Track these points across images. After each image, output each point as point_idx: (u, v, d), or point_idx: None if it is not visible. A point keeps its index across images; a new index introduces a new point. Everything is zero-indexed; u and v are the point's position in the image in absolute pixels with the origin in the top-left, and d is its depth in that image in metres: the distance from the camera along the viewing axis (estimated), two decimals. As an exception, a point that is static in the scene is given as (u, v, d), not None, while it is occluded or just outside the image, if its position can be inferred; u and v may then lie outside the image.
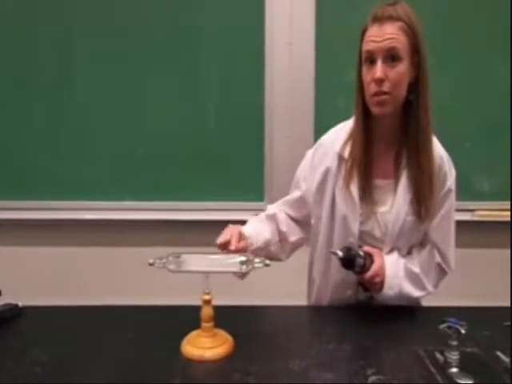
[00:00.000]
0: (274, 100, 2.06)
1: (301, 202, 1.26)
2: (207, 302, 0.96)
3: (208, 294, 0.96)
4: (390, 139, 1.16)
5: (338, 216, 1.19)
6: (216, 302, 0.97)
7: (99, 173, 2.12)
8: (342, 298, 1.23)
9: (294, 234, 1.27)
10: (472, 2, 2.02)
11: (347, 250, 1.10)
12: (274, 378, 0.87)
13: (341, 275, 1.20)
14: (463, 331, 0.88)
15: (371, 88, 1.07)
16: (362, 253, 1.11)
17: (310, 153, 1.27)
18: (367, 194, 1.16)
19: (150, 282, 1.78)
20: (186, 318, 0.99)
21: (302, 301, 1.36)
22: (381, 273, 1.13)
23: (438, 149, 1.17)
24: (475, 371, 0.87)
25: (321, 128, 1.32)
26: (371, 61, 1.07)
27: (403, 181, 1.15)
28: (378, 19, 1.05)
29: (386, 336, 1.04)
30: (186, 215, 2.06)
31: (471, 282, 1.97)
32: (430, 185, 1.13)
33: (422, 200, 1.13)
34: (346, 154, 1.17)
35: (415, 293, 1.19)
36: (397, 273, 1.16)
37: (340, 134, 1.21)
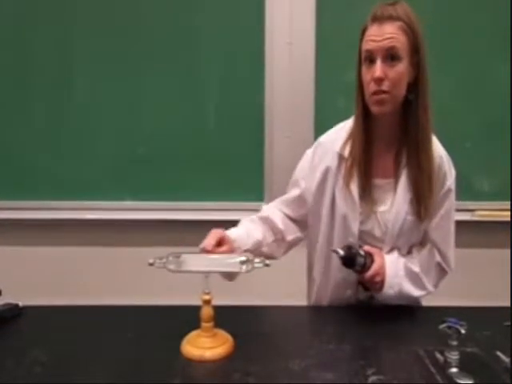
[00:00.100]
0: (273, 100, 2.06)
1: (299, 200, 1.26)
2: (207, 302, 0.96)
3: (208, 294, 0.96)
4: (390, 139, 1.17)
5: (338, 215, 1.19)
6: (216, 302, 0.97)
7: (99, 173, 2.12)
8: (342, 298, 1.23)
9: (291, 233, 1.27)
10: (472, 2, 2.02)
11: (348, 248, 1.10)
12: (274, 377, 0.87)
13: (341, 275, 1.20)
14: (463, 331, 0.88)
15: (371, 87, 1.07)
16: (362, 252, 1.11)
17: (309, 152, 1.26)
18: (367, 194, 1.17)
19: (150, 282, 1.78)
20: (186, 318, 0.99)
21: (301, 301, 1.36)
22: (381, 272, 1.13)
23: (437, 148, 1.17)
24: (475, 371, 0.87)
25: (321, 128, 1.32)
26: (371, 60, 1.07)
27: (403, 180, 1.15)
28: (378, 19, 1.06)
29: (386, 336, 1.04)
30: (186, 215, 2.06)
31: (471, 282, 1.97)
32: (430, 184, 1.13)
33: (422, 199, 1.14)
34: (346, 153, 1.17)
35: (415, 292, 1.19)
36: (397, 272, 1.16)
37: (340, 133, 1.21)
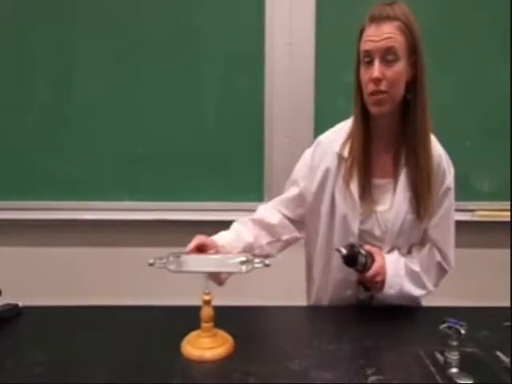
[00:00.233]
0: (273, 100, 2.06)
1: (298, 199, 1.25)
2: (207, 303, 0.96)
3: (208, 294, 0.96)
4: (389, 138, 1.17)
5: (338, 215, 1.19)
6: (216, 302, 0.97)
7: (99, 173, 2.12)
8: (342, 298, 1.23)
9: (288, 233, 1.26)
10: (472, 2, 2.02)
11: (350, 247, 1.10)
12: (274, 378, 0.87)
13: (341, 274, 1.20)
14: (463, 331, 0.88)
15: (369, 87, 1.08)
16: (363, 251, 1.11)
17: (308, 152, 1.26)
18: (367, 193, 1.17)
19: (150, 282, 1.78)
20: (186, 318, 0.99)
21: (301, 301, 1.36)
22: (382, 272, 1.13)
23: (436, 147, 1.17)
24: (475, 371, 0.87)
25: (321, 128, 1.32)
26: (369, 60, 1.07)
27: (402, 179, 1.15)
28: (376, 19, 1.06)
29: (386, 336, 1.04)
30: (185, 215, 2.06)
31: (471, 282, 1.97)
32: (429, 183, 1.13)
33: (421, 198, 1.14)
34: (346, 153, 1.17)
35: (416, 292, 1.19)
36: (397, 272, 1.16)
37: (339, 133, 1.21)
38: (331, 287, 1.24)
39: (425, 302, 1.28)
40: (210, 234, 1.12)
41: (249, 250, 1.16)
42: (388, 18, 1.05)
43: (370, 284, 1.16)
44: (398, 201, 1.16)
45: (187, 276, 0.96)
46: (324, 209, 1.21)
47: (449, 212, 1.21)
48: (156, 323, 1.10)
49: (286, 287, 1.75)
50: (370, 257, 1.12)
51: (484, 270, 2.10)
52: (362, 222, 1.18)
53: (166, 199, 2.11)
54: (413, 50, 1.08)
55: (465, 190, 1.37)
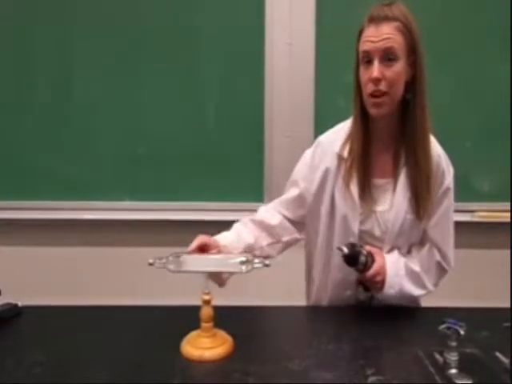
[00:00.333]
0: (273, 100, 2.06)
1: (299, 200, 1.25)
2: (207, 302, 0.96)
3: (208, 294, 0.96)
4: (388, 138, 1.17)
5: (338, 216, 1.19)
6: (216, 302, 0.97)
7: (99, 173, 2.12)
8: (341, 298, 1.23)
9: (288, 235, 1.26)
10: (472, 2, 2.02)
11: (352, 246, 1.10)
12: (274, 377, 0.87)
13: (341, 275, 1.20)
14: (462, 332, 0.88)
15: (368, 88, 1.08)
16: (364, 251, 1.11)
17: (308, 153, 1.26)
18: (367, 193, 1.17)
19: (150, 282, 1.78)
20: (185, 318, 0.99)
21: (301, 301, 1.36)
22: (382, 272, 1.13)
23: (435, 147, 1.18)
24: (474, 372, 0.87)
25: (321, 128, 1.32)
26: (368, 61, 1.07)
27: (402, 179, 1.16)
28: (375, 19, 1.06)
29: (386, 336, 1.04)
30: (185, 215, 2.06)
31: (471, 282, 1.97)
32: (428, 183, 1.14)
33: (421, 198, 1.14)
34: (345, 154, 1.17)
35: (416, 291, 1.20)
36: (397, 272, 1.16)
37: (339, 134, 1.21)
38: (331, 287, 1.24)
39: (424, 303, 1.28)
40: (211, 234, 1.12)
41: (249, 250, 1.15)
42: (387, 19, 1.05)
43: (370, 284, 1.16)
44: (397, 200, 1.16)
45: (187, 276, 0.96)
46: (324, 209, 1.21)
47: (448, 212, 1.21)
48: (156, 323, 1.11)
49: (285, 287, 1.75)
50: (371, 257, 1.12)
51: (484, 270, 2.10)
52: (361, 222, 1.18)
53: (166, 199, 2.11)
54: (412, 50, 1.08)
55: (465, 191, 1.37)
